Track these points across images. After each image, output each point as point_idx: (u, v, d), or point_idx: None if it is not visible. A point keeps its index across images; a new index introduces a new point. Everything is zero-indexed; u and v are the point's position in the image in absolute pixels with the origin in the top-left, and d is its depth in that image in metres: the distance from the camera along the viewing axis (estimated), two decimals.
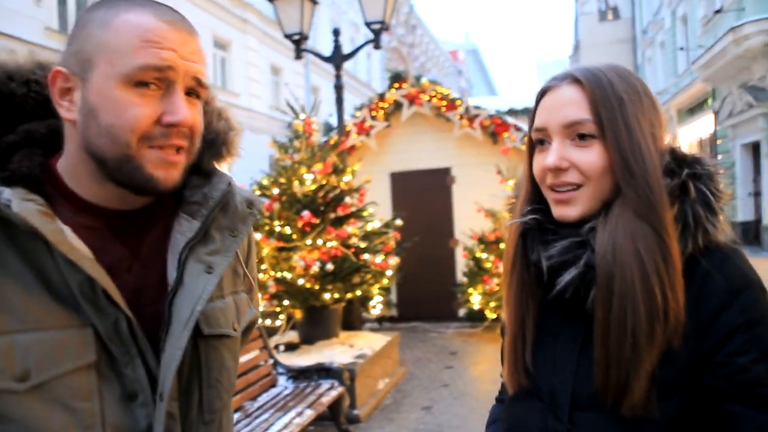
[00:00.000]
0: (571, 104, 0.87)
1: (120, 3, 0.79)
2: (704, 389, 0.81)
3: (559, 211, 0.89)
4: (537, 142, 0.93)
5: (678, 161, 0.86)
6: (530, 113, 0.95)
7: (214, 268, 0.87)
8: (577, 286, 0.85)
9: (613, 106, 0.85)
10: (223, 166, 0.96)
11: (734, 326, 0.79)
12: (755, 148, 14.01)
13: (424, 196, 7.85)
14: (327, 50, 6.72)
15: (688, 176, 0.84)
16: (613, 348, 0.81)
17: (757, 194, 13.49)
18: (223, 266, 0.88)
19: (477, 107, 7.39)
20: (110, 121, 0.75)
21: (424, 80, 7.55)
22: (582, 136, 0.86)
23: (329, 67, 6.24)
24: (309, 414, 3.51)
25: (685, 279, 0.82)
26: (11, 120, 0.83)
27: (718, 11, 14.04)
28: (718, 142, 15.70)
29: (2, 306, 0.71)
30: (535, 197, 0.96)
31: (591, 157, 0.86)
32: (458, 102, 7.37)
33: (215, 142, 0.93)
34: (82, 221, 0.79)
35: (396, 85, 7.62)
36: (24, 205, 0.71)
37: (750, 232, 13.75)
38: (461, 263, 7.49)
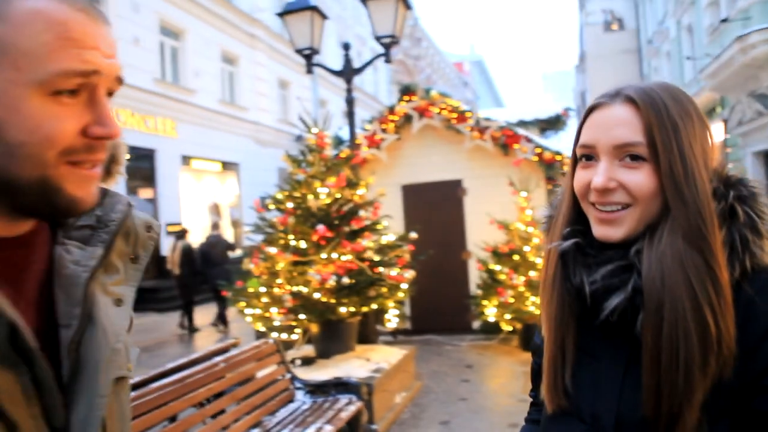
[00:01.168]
0: (624, 125, 0.85)
1: None
2: (751, 413, 0.79)
3: (601, 231, 0.87)
4: (582, 158, 0.91)
5: (725, 184, 0.86)
6: (577, 128, 0.94)
7: (123, 301, 0.77)
8: (624, 309, 0.83)
9: (668, 130, 0.83)
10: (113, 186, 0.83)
11: None
12: (766, 156, 13.93)
13: (435, 208, 7.84)
14: (335, 64, 6.77)
15: (735, 199, 0.84)
16: (665, 376, 0.79)
17: None
18: (131, 298, 0.79)
19: (487, 119, 7.39)
20: (21, 138, 0.60)
21: (433, 92, 7.57)
22: (633, 157, 0.84)
23: (337, 81, 6.30)
24: (328, 429, 3.48)
25: (735, 301, 0.81)
26: None
27: (724, 20, 14.04)
28: (728, 150, 15.64)
29: None
30: (575, 216, 0.95)
31: (640, 179, 0.84)
32: (468, 114, 7.38)
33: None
34: None
35: (406, 97, 7.64)
36: None
37: None
38: (475, 275, 7.45)
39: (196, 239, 11.24)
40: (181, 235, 9.81)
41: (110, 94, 0.69)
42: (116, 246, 0.78)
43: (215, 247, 9.53)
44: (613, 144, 0.85)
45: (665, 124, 0.83)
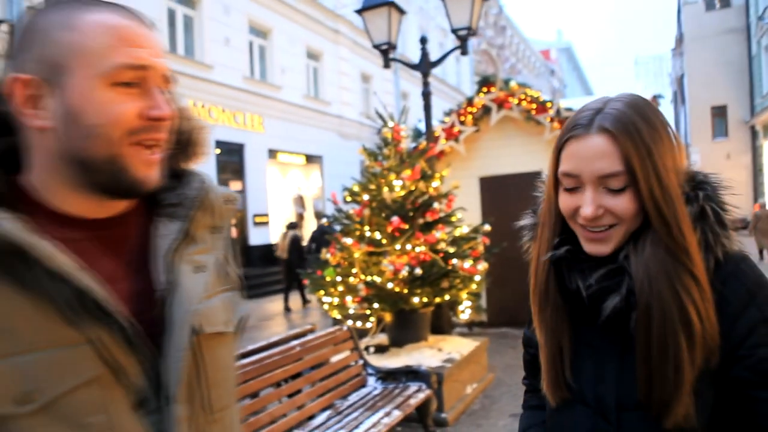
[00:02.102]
0: (603, 156, 0.90)
1: (73, 5, 0.77)
2: (731, 380, 0.90)
3: (592, 248, 0.95)
4: (566, 187, 0.96)
5: (694, 186, 0.94)
6: (554, 151, 0.98)
7: (203, 267, 0.87)
8: (620, 309, 0.92)
9: (644, 157, 0.89)
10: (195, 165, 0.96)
11: (755, 322, 0.88)
12: None
13: (514, 200, 7.72)
14: (416, 56, 6.83)
15: (704, 199, 0.93)
16: (656, 369, 0.89)
17: None
18: (212, 264, 0.89)
19: (568, 109, 7.18)
20: (95, 120, 0.75)
21: (513, 83, 7.46)
22: (612, 184, 0.91)
23: (418, 73, 6.34)
24: (397, 415, 3.60)
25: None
26: None
27: None
28: None
29: None
30: (560, 226, 1.02)
31: (624, 203, 0.91)
32: (549, 104, 7.21)
33: (184, 142, 0.92)
34: (64, 235, 0.76)
35: (484, 89, 7.58)
36: (7, 224, 0.69)
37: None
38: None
39: (281, 230, 11.81)
40: (293, 225, 11.23)
41: (162, 90, 0.82)
42: (196, 219, 0.89)
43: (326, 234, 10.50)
44: (596, 176, 0.91)
45: (641, 150, 0.89)
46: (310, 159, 16.51)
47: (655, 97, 9.03)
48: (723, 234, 0.92)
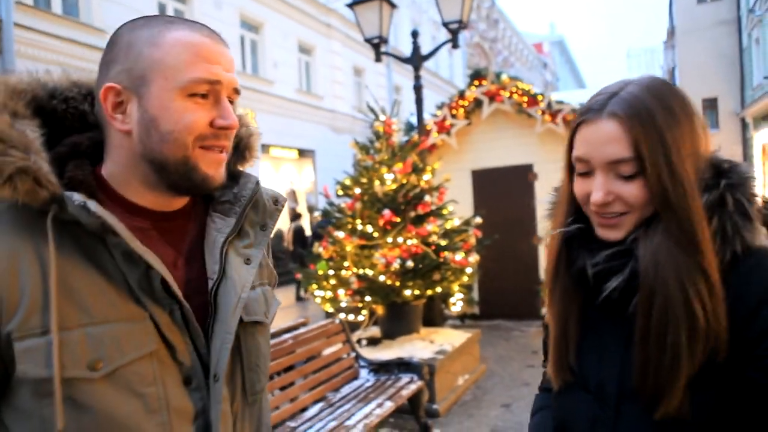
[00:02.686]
0: (612, 141, 0.89)
1: (159, 22, 0.87)
2: (745, 381, 0.85)
3: (603, 233, 0.94)
4: (578, 171, 0.96)
5: (716, 173, 0.90)
6: (569, 136, 0.99)
7: (251, 260, 0.96)
8: (622, 290, 0.90)
9: (655, 141, 0.87)
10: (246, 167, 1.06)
11: None
12: None
13: (506, 193, 7.78)
14: (408, 49, 6.84)
15: (726, 187, 0.89)
16: (652, 355, 0.87)
17: None
18: (258, 258, 0.98)
19: (559, 102, 7.22)
20: (170, 127, 0.84)
21: (504, 76, 7.48)
22: (623, 170, 0.90)
23: (410, 66, 6.35)
24: (389, 406, 3.63)
25: (723, 283, 0.86)
26: (56, 134, 0.89)
27: None
28: None
29: (74, 303, 0.78)
30: (576, 210, 1.01)
31: (635, 191, 0.89)
32: (540, 97, 7.24)
33: (239, 146, 1.02)
34: (134, 223, 0.86)
35: (476, 82, 7.60)
36: (96, 207, 0.78)
37: None
38: (544, 261, 7.34)
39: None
40: (295, 217, 11.45)
41: (231, 101, 0.90)
42: (248, 216, 0.99)
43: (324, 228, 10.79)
44: (605, 161, 0.90)
45: (651, 135, 0.87)
46: (303, 153, 16.49)
47: None
48: (745, 226, 0.87)
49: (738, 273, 0.87)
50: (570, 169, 1.00)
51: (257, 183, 1.00)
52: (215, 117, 0.87)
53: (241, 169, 1.03)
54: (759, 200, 0.90)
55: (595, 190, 0.91)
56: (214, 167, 0.89)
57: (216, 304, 0.91)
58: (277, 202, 1.04)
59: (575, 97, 8.20)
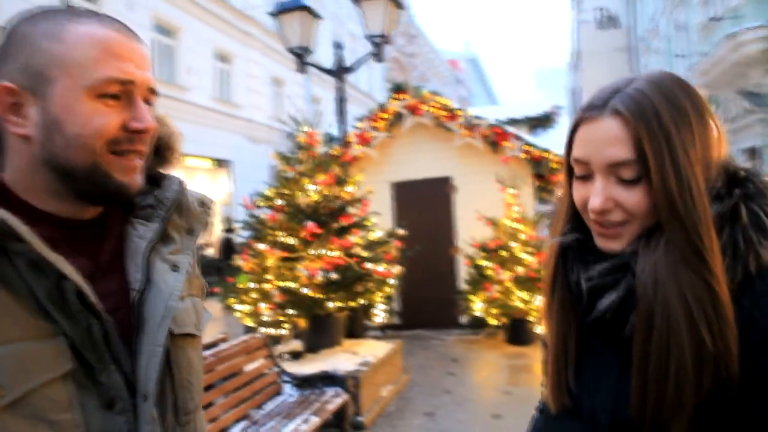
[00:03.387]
0: (614, 142, 0.80)
1: (62, 14, 0.78)
2: (754, 415, 0.76)
3: (603, 243, 0.86)
4: (577, 174, 0.88)
5: (729, 182, 0.81)
6: (568, 136, 0.90)
7: (178, 267, 0.89)
8: (617, 310, 0.82)
9: (660, 142, 0.78)
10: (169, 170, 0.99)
11: None
12: (753, 153, 14.10)
13: (425, 205, 7.94)
14: (328, 62, 6.84)
15: (740, 197, 0.79)
16: (652, 382, 0.77)
17: None
18: (186, 264, 0.91)
19: (477, 117, 7.49)
20: (76, 131, 0.75)
21: (424, 91, 7.67)
22: (624, 175, 0.81)
23: (330, 78, 6.36)
24: (314, 421, 3.58)
25: (733, 304, 0.77)
26: None
27: (715, 18, 14.18)
28: None
29: None
30: (574, 218, 0.93)
31: (637, 197, 0.81)
32: (458, 112, 7.48)
33: (160, 147, 0.94)
34: (43, 232, 0.75)
35: (397, 95, 7.73)
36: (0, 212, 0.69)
37: None
38: (462, 271, 7.56)
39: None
40: (229, 229, 11.95)
41: (147, 102, 0.83)
42: (172, 220, 0.92)
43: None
44: (606, 163, 0.82)
45: (656, 135, 0.78)
46: (219, 163, 16.02)
47: (556, 108, 9.62)
48: (760, 242, 0.77)
49: (751, 294, 0.76)
50: (569, 173, 0.90)
51: (181, 184, 0.94)
52: (128, 119, 0.79)
53: (162, 171, 0.96)
54: None
55: (594, 195, 0.83)
56: (128, 174, 0.81)
57: (141, 317, 0.83)
58: (204, 204, 0.98)
59: (491, 113, 8.55)
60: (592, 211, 0.84)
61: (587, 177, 0.85)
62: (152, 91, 0.84)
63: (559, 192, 0.98)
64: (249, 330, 5.67)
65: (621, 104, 0.80)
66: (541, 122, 9.67)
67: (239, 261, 5.20)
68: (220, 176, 16.51)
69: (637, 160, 0.79)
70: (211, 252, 12.27)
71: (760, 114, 12.93)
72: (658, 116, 0.78)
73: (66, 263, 0.73)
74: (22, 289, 0.71)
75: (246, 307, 5.15)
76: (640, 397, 0.78)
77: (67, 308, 0.73)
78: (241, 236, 5.65)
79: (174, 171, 1.00)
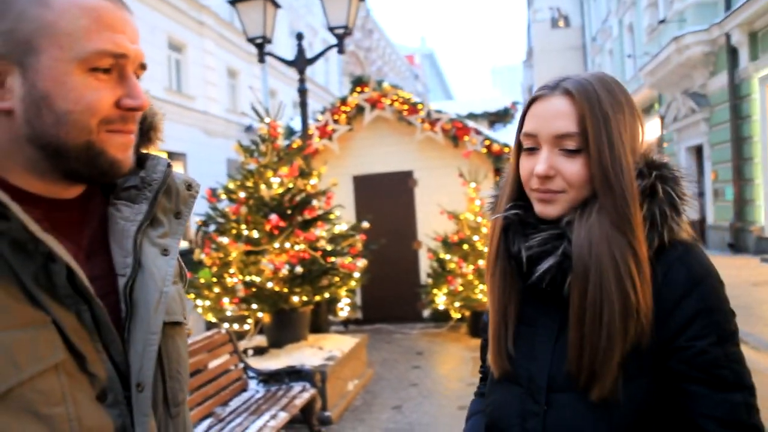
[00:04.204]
0: (562, 116, 0.93)
1: None
2: (666, 371, 0.88)
3: (540, 208, 0.97)
4: (526, 147, 0.99)
5: (648, 166, 0.94)
6: (520, 116, 1.02)
7: (169, 251, 0.86)
8: (554, 275, 0.92)
9: (599, 121, 0.91)
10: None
11: (695, 312, 0.87)
12: (698, 151, 14.73)
13: (387, 198, 7.92)
14: (286, 54, 6.74)
15: (657, 178, 0.93)
16: (588, 334, 0.88)
17: (700, 195, 14.19)
18: (176, 249, 0.87)
19: (438, 111, 7.52)
20: (68, 107, 0.70)
21: (385, 84, 7.64)
22: (567, 146, 0.93)
23: (287, 71, 6.30)
24: (283, 417, 3.51)
25: (653, 272, 0.90)
26: None
27: (662, 21, 14.71)
28: (665, 145, 16.43)
29: None
30: (517, 195, 1.03)
31: (576, 167, 0.93)
32: (420, 106, 7.48)
33: (143, 127, 0.90)
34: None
35: (358, 89, 7.67)
36: None
37: (696, 231, 14.47)
38: (425, 264, 7.59)
39: None
40: (205, 223, 11.30)
41: (137, 77, 0.78)
42: (160, 202, 0.87)
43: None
44: (553, 134, 0.93)
45: (597, 115, 0.91)
46: (173, 156, 15.56)
47: (514, 104, 9.77)
48: (673, 218, 0.91)
49: (664, 263, 0.90)
50: (518, 151, 1.01)
51: (169, 165, 0.90)
52: (122, 96, 0.74)
53: (145, 152, 0.91)
54: (688, 199, 0.94)
55: (539, 163, 0.94)
56: (122, 150, 0.77)
57: (132, 303, 0.78)
58: (191, 187, 0.94)
59: (449, 108, 8.60)
60: (537, 176, 0.94)
61: (534, 150, 0.96)
62: (142, 66, 0.79)
63: (506, 172, 1.08)
64: (211, 326, 5.53)
65: (571, 85, 0.94)
66: (500, 117, 9.79)
67: (200, 255, 5.04)
68: (175, 169, 16.06)
69: (580, 133, 0.92)
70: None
71: (705, 114, 13.51)
72: (600, 101, 0.92)
73: (57, 243, 0.68)
74: (6, 273, 0.66)
75: (206, 303, 5.01)
76: (577, 348, 0.89)
77: (55, 293, 0.69)
78: (204, 229, 5.46)
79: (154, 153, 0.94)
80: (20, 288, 0.67)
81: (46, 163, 0.73)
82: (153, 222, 0.86)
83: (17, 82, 0.69)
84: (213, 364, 3.94)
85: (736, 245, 12.17)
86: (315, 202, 5.22)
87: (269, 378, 4.13)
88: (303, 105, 6.34)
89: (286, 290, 4.82)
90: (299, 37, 6.35)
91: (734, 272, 9.07)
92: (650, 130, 17.42)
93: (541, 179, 0.94)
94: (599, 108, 0.92)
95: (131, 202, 0.84)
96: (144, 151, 0.91)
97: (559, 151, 0.94)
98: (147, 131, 0.91)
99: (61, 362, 0.68)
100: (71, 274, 0.69)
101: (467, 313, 6.89)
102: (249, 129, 16.57)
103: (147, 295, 0.79)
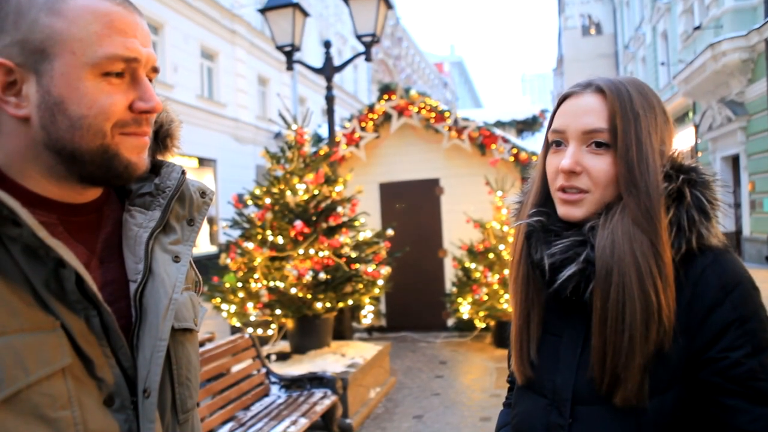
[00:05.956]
0: (592, 112, 0.93)
1: None
2: (699, 384, 0.85)
3: (564, 210, 0.95)
4: (553, 144, 0.98)
5: (676, 168, 0.92)
6: (550, 114, 1.01)
7: (180, 258, 0.86)
8: (577, 282, 0.90)
9: (629, 119, 0.91)
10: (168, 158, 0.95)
11: (727, 322, 0.83)
12: (735, 161, 14.32)
13: (413, 206, 7.90)
14: (315, 62, 6.80)
15: (684, 182, 0.90)
16: (610, 336, 0.86)
17: (737, 206, 13.79)
18: (188, 256, 0.88)
19: (465, 119, 7.48)
20: (82, 111, 0.72)
21: (413, 92, 7.64)
22: (598, 144, 0.92)
23: (316, 78, 6.35)
24: (303, 423, 3.51)
25: (680, 279, 0.87)
26: None
27: (697, 28, 14.40)
28: (699, 154, 16.02)
29: None
30: (542, 199, 1.02)
31: (603, 165, 0.91)
32: (447, 114, 7.45)
33: (158, 134, 0.91)
34: (36, 216, 0.70)
35: (385, 96, 7.69)
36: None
37: (731, 243, 14.06)
38: (450, 273, 7.54)
39: None
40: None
41: (149, 80, 0.79)
42: (173, 209, 0.88)
43: None
44: (581, 130, 0.93)
45: (627, 113, 0.91)
46: (203, 162, 15.83)
47: (543, 112, 9.66)
48: (702, 223, 0.88)
49: (694, 270, 0.87)
50: (546, 150, 1.01)
51: (183, 173, 0.90)
52: (135, 99, 0.75)
53: (161, 158, 0.92)
54: (720, 204, 0.91)
55: (566, 158, 0.93)
56: (136, 153, 0.78)
57: (142, 309, 0.79)
58: (204, 194, 0.95)
59: (477, 116, 8.56)
60: (562, 170, 0.93)
61: (561, 146, 0.96)
62: (155, 70, 0.80)
63: (532, 177, 1.07)
64: (235, 330, 5.58)
65: (603, 83, 0.94)
66: (528, 125, 9.69)
67: (226, 260, 5.10)
68: (205, 176, 16.33)
69: (609, 130, 0.91)
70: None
71: (742, 123, 13.14)
72: (631, 100, 0.92)
73: (66, 249, 0.69)
74: (17, 278, 0.67)
75: (232, 307, 5.06)
76: (600, 352, 0.87)
77: (66, 297, 0.69)
78: (228, 234, 5.53)
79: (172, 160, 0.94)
80: (31, 292, 0.68)
81: (62, 168, 0.74)
82: (166, 228, 0.87)
83: (32, 90, 0.71)
84: (236, 368, 3.97)
85: None
86: (340, 209, 5.24)
87: (291, 384, 4.14)
88: (330, 112, 6.39)
89: (309, 296, 4.84)
90: (327, 45, 6.41)
91: None
92: (684, 139, 17.03)
93: (567, 175, 0.93)
94: (630, 107, 0.92)
95: (145, 208, 0.85)
96: (160, 158, 0.92)
97: (587, 147, 0.93)
98: (164, 138, 0.92)
99: (69, 366, 0.69)
100: (80, 279, 0.70)
101: (492, 323, 6.81)
102: (278, 136, 16.77)
103: (156, 301, 0.80)
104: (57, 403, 0.67)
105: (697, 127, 16.06)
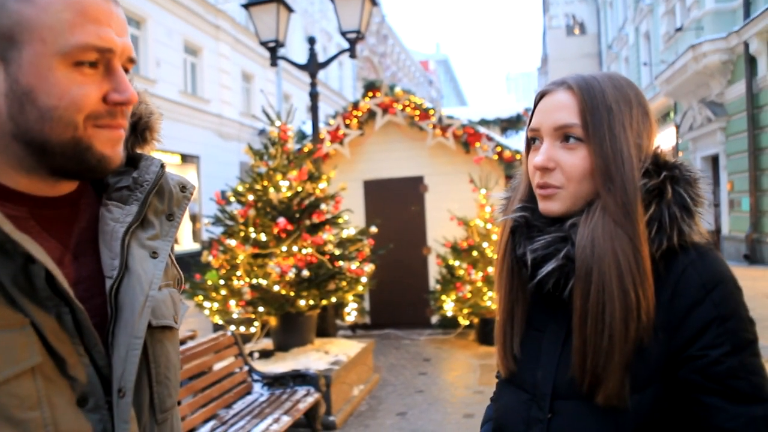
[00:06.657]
0: (564, 108, 0.93)
1: None
2: (679, 382, 0.85)
3: (543, 205, 0.96)
4: (531, 141, 1.00)
5: (658, 165, 0.91)
6: (531, 114, 1.02)
7: (158, 253, 0.84)
8: (558, 279, 0.91)
9: (601, 113, 0.91)
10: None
11: (708, 320, 0.83)
12: (714, 161, 14.54)
13: (397, 204, 7.90)
14: (299, 58, 6.76)
15: (666, 178, 0.89)
16: (590, 336, 0.86)
17: (716, 205, 14.00)
18: (166, 251, 0.85)
19: (450, 117, 7.49)
20: (52, 102, 0.69)
21: (398, 89, 7.63)
22: (568, 138, 0.93)
23: (301, 75, 6.30)
24: (286, 420, 3.50)
25: (661, 276, 0.87)
26: None
27: (678, 29, 14.58)
28: (680, 154, 16.24)
29: None
30: (527, 195, 1.03)
31: (575, 159, 0.92)
32: (431, 111, 7.46)
33: (137, 126, 0.88)
34: (8, 211, 0.69)
35: (370, 93, 7.67)
36: None
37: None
38: (434, 270, 7.55)
39: None
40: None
41: (125, 71, 0.76)
42: (151, 204, 0.86)
43: None
44: (553, 126, 0.94)
45: (599, 107, 0.91)
46: (186, 158, 15.68)
47: (527, 111, 9.71)
48: (684, 220, 0.88)
49: (676, 268, 0.86)
50: (528, 149, 1.02)
51: (162, 166, 0.87)
52: (109, 90, 0.72)
53: (140, 152, 0.89)
54: (703, 201, 0.90)
55: (539, 155, 0.94)
56: (110, 145, 0.74)
57: (117, 306, 0.76)
58: (185, 189, 0.92)
59: (462, 114, 8.57)
60: (535, 167, 0.94)
61: (536, 142, 0.97)
62: (131, 60, 0.77)
63: (519, 173, 1.08)
64: (218, 328, 5.53)
65: (573, 81, 0.95)
66: (512, 124, 9.72)
67: (208, 257, 5.06)
68: (188, 172, 16.18)
69: (581, 125, 0.91)
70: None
71: (721, 123, 13.35)
72: (604, 95, 0.92)
73: (34, 244, 0.67)
74: None
75: (215, 305, 5.02)
76: (580, 353, 0.87)
77: (35, 295, 0.67)
78: (210, 231, 5.47)
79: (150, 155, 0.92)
80: None
81: (31, 160, 0.72)
82: (143, 223, 0.84)
83: (1, 79, 0.68)
84: (218, 366, 3.94)
85: (752, 256, 11.97)
86: (323, 206, 5.22)
87: (274, 381, 4.12)
88: (314, 109, 6.35)
89: (292, 294, 4.82)
90: (311, 41, 6.37)
91: (749, 283, 8.91)
92: (665, 139, 17.24)
93: (541, 172, 0.94)
94: (602, 100, 0.91)
95: (122, 203, 0.83)
96: (139, 151, 0.89)
97: (560, 143, 0.93)
98: (143, 131, 0.89)
99: (39, 366, 0.66)
100: (51, 275, 0.68)
101: (476, 320, 6.83)
102: (262, 132, 16.66)
103: (132, 298, 0.77)
104: (25, 403, 0.65)
105: (678, 127, 16.28)
